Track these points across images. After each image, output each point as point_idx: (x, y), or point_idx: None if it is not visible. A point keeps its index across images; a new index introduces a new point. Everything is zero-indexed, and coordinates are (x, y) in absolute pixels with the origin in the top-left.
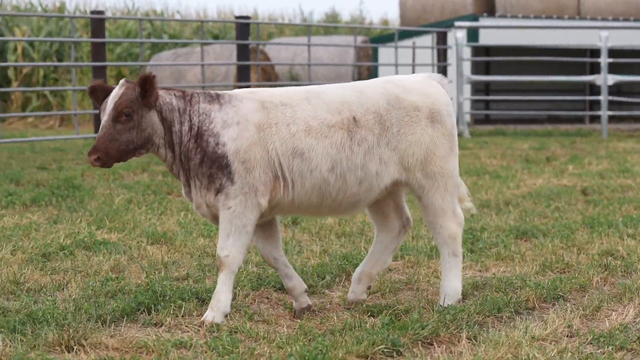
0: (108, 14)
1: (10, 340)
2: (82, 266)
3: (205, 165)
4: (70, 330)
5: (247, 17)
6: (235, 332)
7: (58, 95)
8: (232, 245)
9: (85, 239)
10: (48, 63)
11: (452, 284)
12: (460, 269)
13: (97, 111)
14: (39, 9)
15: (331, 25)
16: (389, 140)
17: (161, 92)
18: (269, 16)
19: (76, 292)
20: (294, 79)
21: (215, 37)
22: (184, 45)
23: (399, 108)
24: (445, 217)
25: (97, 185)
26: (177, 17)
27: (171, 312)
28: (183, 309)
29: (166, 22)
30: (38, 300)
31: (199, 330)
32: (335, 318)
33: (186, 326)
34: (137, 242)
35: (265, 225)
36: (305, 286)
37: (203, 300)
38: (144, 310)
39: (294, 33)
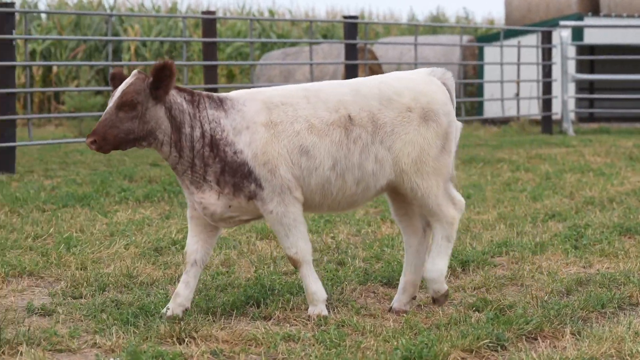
0: (219, 14)
1: (123, 332)
2: None
3: (228, 174)
4: (182, 323)
5: (355, 17)
6: (342, 326)
7: None
8: (295, 241)
9: None
10: None
11: (437, 266)
12: (449, 254)
13: None
14: (152, 9)
15: (437, 25)
16: (382, 139)
17: (174, 91)
18: (377, 16)
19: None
20: None
21: (324, 37)
22: (293, 44)
23: (391, 109)
24: (442, 206)
25: None
26: (287, 17)
27: (279, 305)
28: (291, 302)
29: (275, 22)
30: (150, 293)
31: (306, 324)
32: (440, 312)
33: (294, 319)
34: (247, 237)
35: (210, 229)
36: (188, 306)
37: None
38: (253, 304)
39: (401, 32)
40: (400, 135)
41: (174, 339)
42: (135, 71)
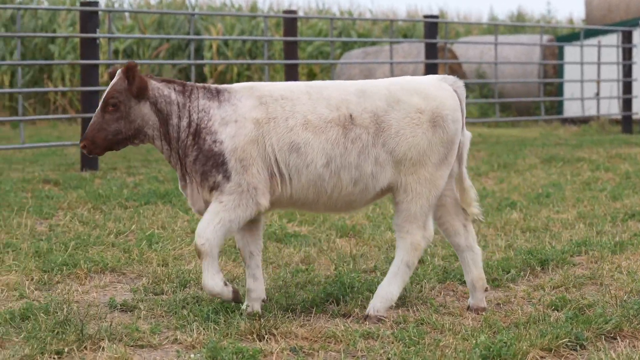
0: (300, 13)
1: (203, 329)
2: (273, 257)
3: (199, 162)
4: (262, 320)
5: (436, 17)
6: (421, 324)
7: None
8: (211, 234)
9: (277, 231)
10: (241, 61)
11: (390, 288)
12: (406, 281)
13: None
14: (233, 8)
15: (518, 25)
16: (385, 141)
17: (159, 84)
18: (457, 15)
19: (267, 283)
20: (481, 77)
21: (404, 36)
22: (373, 43)
23: (399, 110)
24: (414, 224)
25: None
26: (367, 16)
27: (359, 303)
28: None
29: (356, 21)
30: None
31: (385, 321)
32: (519, 311)
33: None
34: (327, 235)
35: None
36: (264, 296)
37: None
38: (332, 301)
39: (481, 32)
40: (407, 137)
41: (254, 336)
42: (118, 71)
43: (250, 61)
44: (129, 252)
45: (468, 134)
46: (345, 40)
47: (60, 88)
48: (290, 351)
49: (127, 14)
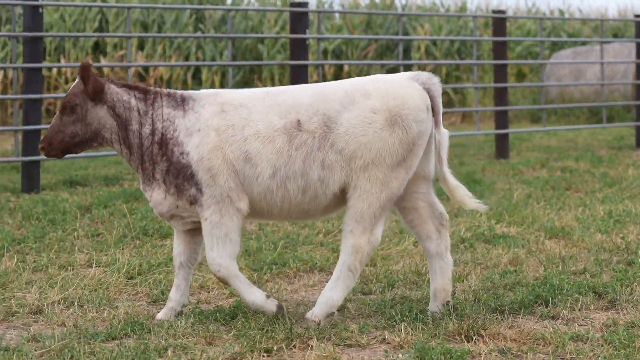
0: (509, 13)
1: (412, 329)
2: (481, 258)
3: (172, 174)
4: (470, 321)
5: None
6: (632, 327)
7: (459, 93)
8: (219, 257)
9: (485, 232)
10: (450, 61)
11: (332, 294)
12: (348, 286)
13: (498, 108)
14: (442, 8)
15: None
16: (333, 142)
17: (119, 89)
18: None
19: (475, 284)
20: None
21: (615, 36)
22: (583, 43)
23: (352, 110)
24: (360, 225)
25: (496, 180)
26: (577, 15)
27: (568, 305)
28: (580, 302)
29: (566, 21)
30: None
31: (594, 324)
32: None
33: (582, 320)
34: (535, 236)
35: (193, 230)
36: (180, 309)
37: (600, 294)
38: (541, 303)
39: None
40: (356, 136)
41: (462, 337)
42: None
43: (458, 61)
44: (337, 252)
45: (445, 132)
46: (555, 40)
47: None
48: (498, 353)
49: (336, 14)
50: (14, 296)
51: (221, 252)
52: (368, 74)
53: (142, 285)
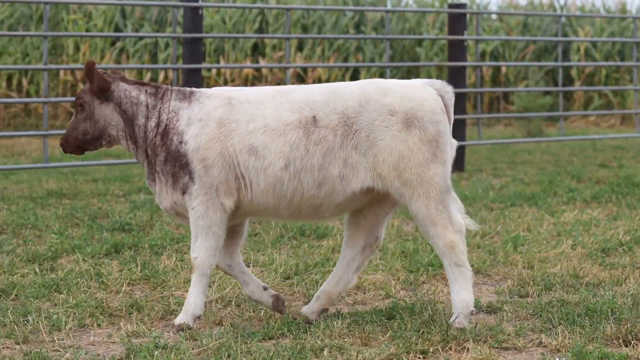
0: None
1: (569, 332)
2: None
3: (169, 163)
4: (628, 325)
5: None
6: None
7: (619, 95)
8: (200, 247)
9: None
10: (609, 62)
11: (460, 297)
12: (467, 279)
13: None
14: (602, 10)
15: None
16: (357, 144)
17: (129, 87)
18: None
19: (634, 287)
20: None
21: None
22: None
23: (370, 111)
24: (437, 226)
25: None
26: None
27: None
28: None
29: None
30: (597, 294)
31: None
32: None
33: None
34: None
35: (228, 230)
36: (262, 284)
37: None
38: None
39: None
40: (376, 141)
41: (620, 341)
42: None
43: (618, 63)
44: (494, 254)
45: (454, 143)
46: None
47: None
48: None
49: (494, 15)
50: (172, 295)
51: (204, 243)
52: (526, 75)
53: (298, 285)
